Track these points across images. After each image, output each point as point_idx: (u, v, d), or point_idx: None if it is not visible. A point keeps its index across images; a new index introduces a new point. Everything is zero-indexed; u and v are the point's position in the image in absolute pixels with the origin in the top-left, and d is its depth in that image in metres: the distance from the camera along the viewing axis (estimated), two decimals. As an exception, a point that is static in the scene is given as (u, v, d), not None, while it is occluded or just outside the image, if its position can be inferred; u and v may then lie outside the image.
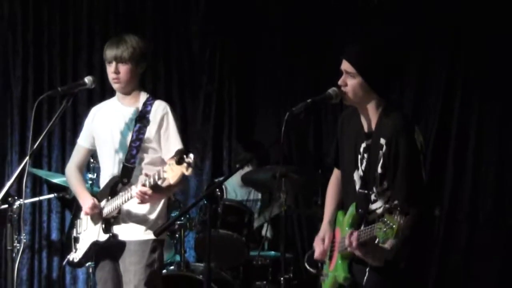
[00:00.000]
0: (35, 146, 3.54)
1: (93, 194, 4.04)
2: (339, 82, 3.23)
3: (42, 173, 5.70)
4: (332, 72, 3.33)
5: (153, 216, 3.92)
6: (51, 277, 6.03)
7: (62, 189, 5.45)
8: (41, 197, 5.78)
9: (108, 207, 3.89)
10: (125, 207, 3.85)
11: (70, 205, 5.85)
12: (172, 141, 3.90)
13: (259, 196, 5.86)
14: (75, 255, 4.04)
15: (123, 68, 3.89)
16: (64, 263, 4.46)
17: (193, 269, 4.96)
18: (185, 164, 3.38)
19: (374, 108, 3.25)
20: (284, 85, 6.19)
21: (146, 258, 3.87)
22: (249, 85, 6.37)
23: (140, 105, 3.97)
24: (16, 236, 3.74)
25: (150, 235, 3.83)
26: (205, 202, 4.82)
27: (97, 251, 3.98)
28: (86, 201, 3.95)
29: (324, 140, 6.02)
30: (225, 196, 5.65)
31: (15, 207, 3.68)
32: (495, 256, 5.37)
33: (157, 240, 3.90)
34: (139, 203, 3.74)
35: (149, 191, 3.67)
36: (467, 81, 5.49)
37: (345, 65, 3.21)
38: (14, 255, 3.67)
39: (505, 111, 5.40)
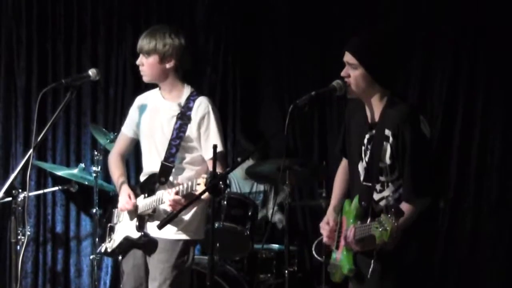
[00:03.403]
0: (39, 139, 3.52)
1: (132, 187, 3.96)
2: (342, 73, 3.22)
3: (47, 165, 5.69)
4: (337, 64, 3.31)
5: (187, 217, 3.84)
6: (56, 269, 6.03)
7: (67, 182, 5.46)
8: (46, 190, 5.76)
9: (143, 204, 3.84)
10: (162, 205, 3.77)
11: (75, 198, 5.89)
12: (212, 141, 3.76)
13: (262, 188, 5.85)
14: (109, 245, 4.01)
15: (146, 61, 3.83)
16: (99, 250, 4.43)
17: (197, 262, 4.93)
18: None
19: (377, 99, 3.24)
20: (289, 77, 6.16)
21: (175, 258, 3.81)
22: (254, 76, 6.35)
23: (182, 101, 3.89)
24: (20, 229, 3.74)
25: (181, 235, 3.81)
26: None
27: (128, 245, 3.94)
28: (122, 196, 3.90)
29: (329, 132, 6.00)
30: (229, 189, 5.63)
31: (19, 199, 3.67)
32: (499, 245, 5.35)
33: (189, 241, 3.84)
34: (171, 210, 3.67)
35: (182, 200, 3.61)
36: (472, 70, 5.46)
37: (347, 57, 3.20)
38: (18, 247, 3.66)
39: (511, 99, 5.37)
